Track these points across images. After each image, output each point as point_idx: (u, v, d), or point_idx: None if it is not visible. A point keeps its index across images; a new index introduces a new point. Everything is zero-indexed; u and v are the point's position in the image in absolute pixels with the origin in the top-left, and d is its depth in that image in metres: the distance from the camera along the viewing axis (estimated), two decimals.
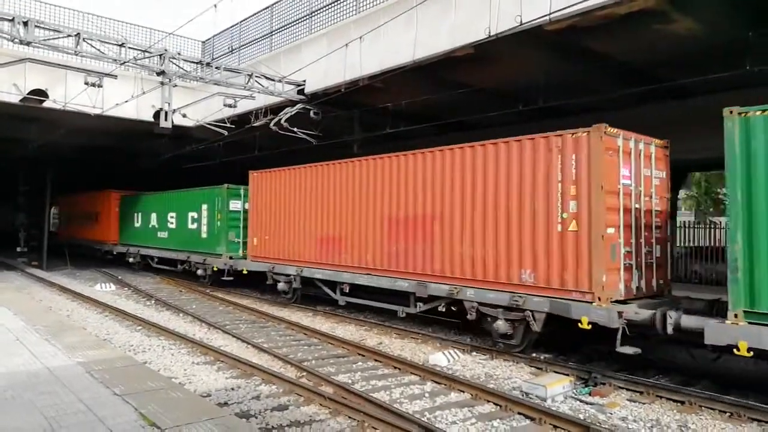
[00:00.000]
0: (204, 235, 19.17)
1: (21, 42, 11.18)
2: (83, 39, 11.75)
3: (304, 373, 8.52)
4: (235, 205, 18.37)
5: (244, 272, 16.66)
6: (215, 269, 18.18)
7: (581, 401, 7.53)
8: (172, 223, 21.46)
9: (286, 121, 15.24)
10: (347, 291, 13.22)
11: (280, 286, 15.34)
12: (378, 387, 8.03)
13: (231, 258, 17.75)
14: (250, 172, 16.87)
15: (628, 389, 7.99)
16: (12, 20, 11.11)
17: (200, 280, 19.25)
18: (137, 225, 24.40)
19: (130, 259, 24.28)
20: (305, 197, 14.68)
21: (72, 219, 32.67)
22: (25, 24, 11.16)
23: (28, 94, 15.17)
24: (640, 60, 11.00)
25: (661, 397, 7.64)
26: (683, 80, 10.56)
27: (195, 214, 19.82)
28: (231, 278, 17.46)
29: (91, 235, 29.14)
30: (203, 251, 19.05)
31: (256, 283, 17.29)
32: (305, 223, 14.58)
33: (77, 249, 30.75)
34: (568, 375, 8.38)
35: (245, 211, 17.74)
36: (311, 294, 14.90)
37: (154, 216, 22.91)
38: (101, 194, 27.88)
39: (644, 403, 7.50)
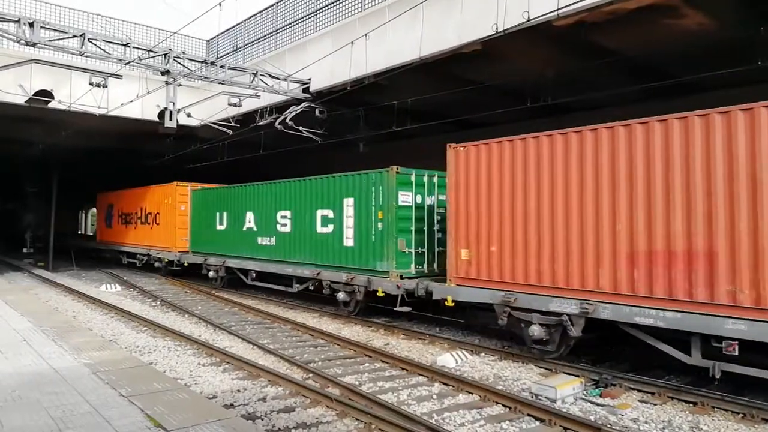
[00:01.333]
0: (349, 243, 13.15)
1: (27, 43, 11.18)
2: (88, 39, 11.74)
3: (311, 375, 8.45)
4: (405, 197, 12.36)
5: (449, 303, 10.68)
6: (380, 293, 12.06)
7: (592, 402, 7.43)
8: (284, 225, 15.26)
9: (291, 119, 15.19)
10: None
11: (537, 333, 9.12)
12: (385, 388, 7.95)
13: (403, 278, 11.82)
14: (448, 146, 10.82)
15: (639, 390, 7.89)
16: (18, 21, 11.11)
17: (342, 307, 13.46)
18: (221, 227, 18.23)
19: (210, 273, 18.36)
20: (594, 180, 8.58)
21: (118, 221, 27.24)
22: (31, 25, 11.16)
23: (33, 95, 15.18)
24: (650, 56, 10.86)
25: (672, 398, 7.54)
26: (693, 76, 10.43)
27: (329, 213, 13.78)
28: (408, 308, 11.71)
29: (146, 240, 23.60)
30: (348, 266, 13.08)
31: (454, 312, 12.25)
32: (597, 225, 8.49)
33: (125, 257, 25.78)
34: (578, 376, 8.27)
35: (417, 208, 12.54)
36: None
37: (250, 216, 16.81)
38: (162, 189, 22.49)
39: (656, 404, 7.39)
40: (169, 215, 21.72)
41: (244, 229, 16.98)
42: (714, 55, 10.17)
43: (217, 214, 18.43)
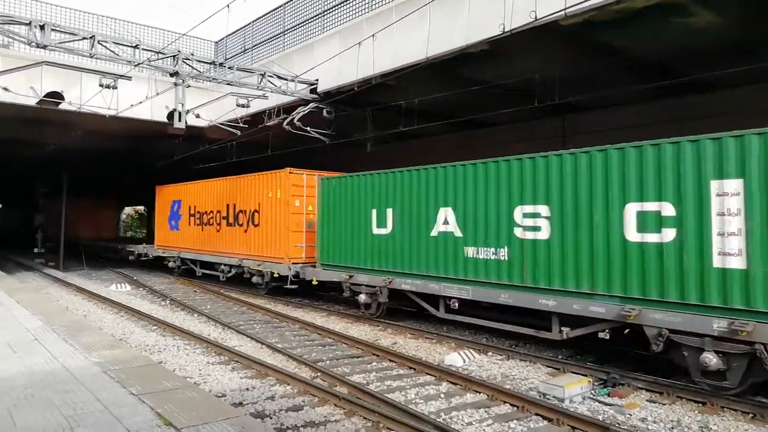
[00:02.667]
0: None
1: (38, 45, 11.29)
2: (98, 41, 11.85)
3: (319, 374, 8.49)
4: None
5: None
6: None
7: (600, 402, 7.42)
8: (533, 228, 9.61)
9: (299, 120, 15.25)
10: None
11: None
12: (393, 387, 7.98)
13: None
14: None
15: (647, 390, 7.87)
16: (29, 24, 11.23)
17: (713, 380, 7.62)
18: (381, 231, 12.63)
19: (362, 297, 12.77)
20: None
21: (190, 221, 21.47)
22: (42, 28, 11.27)
23: (44, 96, 15.34)
24: (658, 54, 10.81)
25: (681, 398, 7.51)
26: (702, 74, 10.37)
27: (663, 208, 7.91)
28: None
29: (237, 246, 18.02)
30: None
31: None
32: None
33: (198, 268, 20.41)
34: (586, 375, 8.26)
35: None
36: None
37: (445, 214, 11.26)
38: (264, 178, 16.94)
39: (664, 404, 7.37)
40: (276, 214, 16.21)
41: (435, 234, 11.33)
42: (722, 54, 10.11)
43: (373, 211, 12.78)
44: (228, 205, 18.87)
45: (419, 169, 11.88)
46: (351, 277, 13.13)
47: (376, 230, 12.81)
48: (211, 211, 19.88)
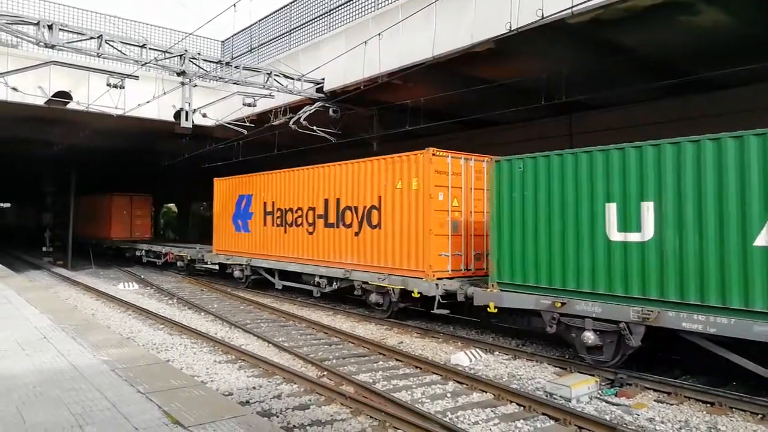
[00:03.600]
0: None
1: (46, 45, 11.36)
2: (105, 41, 11.91)
3: (325, 373, 8.50)
4: None
5: None
6: None
7: (607, 402, 7.39)
8: None
9: (305, 119, 15.27)
10: None
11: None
12: (399, 387, 7.98)
13: None
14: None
15: (655, 390, 7.83)
16: (37, 24, 11.30)
17: None
18: (621, 237, 8.44)
19: (587, 336, 8.67)
20: None
21: (265, 220, 17.16)
22: (50, 27, 11.34)
23: (52, 96, 15.44)
24: (665, 53, 10.75)
25: (689, 398, 7.46)
26: (709, 73, 10.30)
27: None
28: None
29: (339, 254, 13.99)
30: None
31: None
32: None
33: (277, 279, 16.57)
34: (593, 375, 8.23)
35: None
36: None
37: None
38: (391, 162, 12.66)
39: (672, 404, 7.33)
40: (409, 211, 12.06)
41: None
42: (730, 52, 10.04)
43: (610, 206, 8.58)
44: (327, 201, 14.51)
45: (723, 139, 7.45)
46: (563, 305, 8.92)
47: (616, 235, 8.49)
48: (299, 209, 15.57)
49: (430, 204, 11.60)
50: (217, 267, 20.25)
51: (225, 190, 19.59)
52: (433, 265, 11.48)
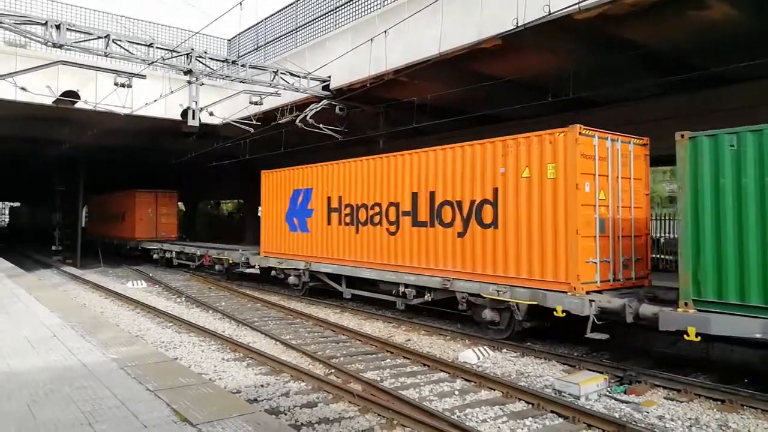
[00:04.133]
0: None
1: (54, 45, 11.42)
2: (113, 40, 11.95)
3: (333, 370, 8.51)
4: None
5: None
6: None
7: (616, 399, 7.35)
8: None
9: (311, 117, 15.27)
10: None
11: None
12: (407, 384, 7.97)
13: None
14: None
15: (664, 387, 7.78)
16: (45, 24, 11.36)
17: None
18: None
19: None
20: None
21: (332, 218, 14.61)
22: (58, 27, 11.40)
23: (60, 95, 15.53)
24: (673, 48, 10.66)
25: (699, 396, 7.41)
26: (718, 68, 10.21)
27: None
28: None
29: (444, 258, 11.47)
30: None
31: None
32: None
33: (344, 287, 14.29)
34: (602, 373, 8.19)
35: None
36: None
37: None
38: (514, 143, 10.29)
39: (682, 402, 7.28)
40: (543, 206, 9.73)
41: None
42: (739, 47, 9.94)
43: None
44: (416, 195, 12.08)
45: None
46: None
47: None
48: (376, 205, 13.06)
49: (576, 197, 9.17)
50: (258, 271, 18.15)
51: (276, 184, 16.98)
52: (581, 276, 9.07)
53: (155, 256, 25.84)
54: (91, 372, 5.77)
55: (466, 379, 8.18)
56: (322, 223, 14.92)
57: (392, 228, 12.67)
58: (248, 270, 18.58)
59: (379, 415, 6.65)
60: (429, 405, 6.90)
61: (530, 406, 7.07)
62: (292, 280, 15.94)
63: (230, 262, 19.41)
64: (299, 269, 15.55)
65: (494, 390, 7.68)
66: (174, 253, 24.20)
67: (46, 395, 5.02)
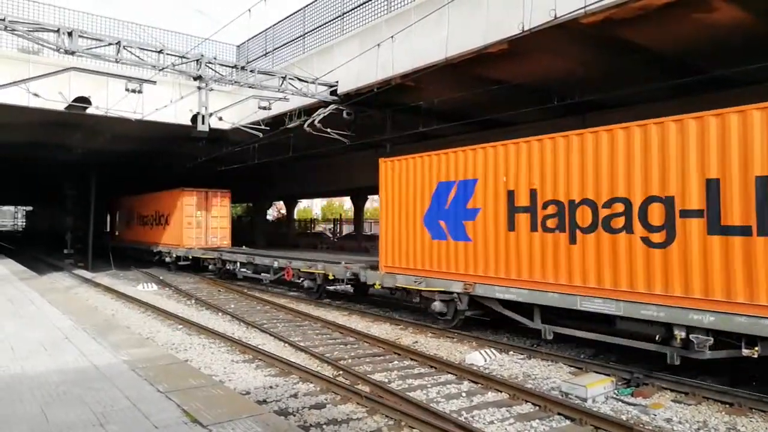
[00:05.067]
0: None
1: (66, 52, 11.59)
2: (123, 47, 12.12)
3: (341, 372, 8.58)
4: None
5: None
6: None
7: (623, 402, 7.36)
8: None
9: (319, 122, 15.38)
10: None
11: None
12: (414, 386, 8.02)
13: None
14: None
15: (672, 390, 7.77)
16: (57, 31, 11.53)
17: None
18: None
19: None
20: None
21: (517, 221, 10.12)
22: (70, 34, 11.57)
23: (72, 101, 15.73)
24: (680, 51, 10.66)
25: (708, 399, 7.39)
26: (725, 71, 10.19)
27: None
28: None
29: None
30: None
31: None
32: None
33: (539, 321, 9.73)
34: (609, 375, 8.19)
35: None
36: None
37: None
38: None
39: (690, 405, 7.27)
40: None
41: None
42: (747, 49, 9.92)
43: None
44: (715, 182, 7.54)
45: None
46: None
47: None
48: (618, 200, 8.60)
49: None
50: (351, 289, 15.24)
51: (405, 176, 12.60)
52: None
53: (210, 266, 22.06)
54: (102, 374, 5.87)
55: (473, 381, 8.22)
56: (496, 228, 10.53)
57: (657, 237, 8.14)
58: (341, 287, 15.44)
59: (387, 416, 6.70)
60: (436, 406, 6.95)
61: (537, 408, 7.10)
62: (437, 306, 11.62)
63: (330, 277, 15.03)
64: (452, 293, 11.29)
65: (501, 392, 7.71)
66: (238, 264, 19.99)
67: (58, 396, 5.12)
